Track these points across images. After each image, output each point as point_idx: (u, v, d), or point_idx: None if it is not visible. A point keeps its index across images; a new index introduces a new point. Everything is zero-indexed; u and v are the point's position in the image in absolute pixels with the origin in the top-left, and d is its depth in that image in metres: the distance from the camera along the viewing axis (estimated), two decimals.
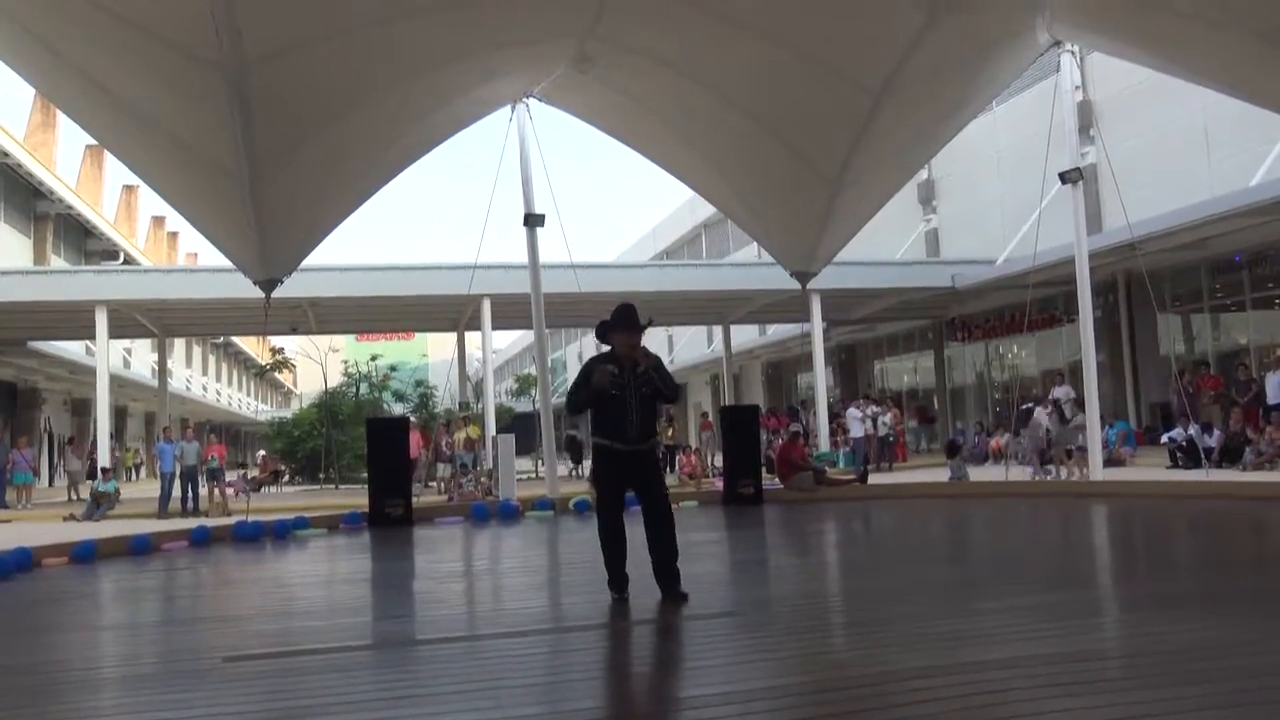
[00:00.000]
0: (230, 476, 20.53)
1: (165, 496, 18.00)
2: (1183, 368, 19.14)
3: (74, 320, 23.33)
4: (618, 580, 6.14)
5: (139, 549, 10.51)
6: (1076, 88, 15.91)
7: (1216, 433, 16.89)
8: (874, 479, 17.01)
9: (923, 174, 27.48)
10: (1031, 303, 18.17)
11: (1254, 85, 10.82)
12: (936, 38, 10.29)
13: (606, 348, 6.41)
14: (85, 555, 9.92)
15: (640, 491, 6.18)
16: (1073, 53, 13.84)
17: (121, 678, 5.04)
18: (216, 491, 18.11)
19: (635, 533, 6.18)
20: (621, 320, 6.21)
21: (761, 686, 4.17)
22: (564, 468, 20.72)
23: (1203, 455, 14.65)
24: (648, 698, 4.10)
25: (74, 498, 21.98)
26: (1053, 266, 17.60)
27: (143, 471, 39.57)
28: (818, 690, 4.07)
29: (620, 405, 6.07)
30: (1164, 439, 17.56)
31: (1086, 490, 13.02)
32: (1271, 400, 16.18)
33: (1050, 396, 20.54)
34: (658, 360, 6.28)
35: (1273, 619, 5.03)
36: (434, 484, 20.26)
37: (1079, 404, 19.39)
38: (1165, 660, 4.23)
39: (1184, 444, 16.28)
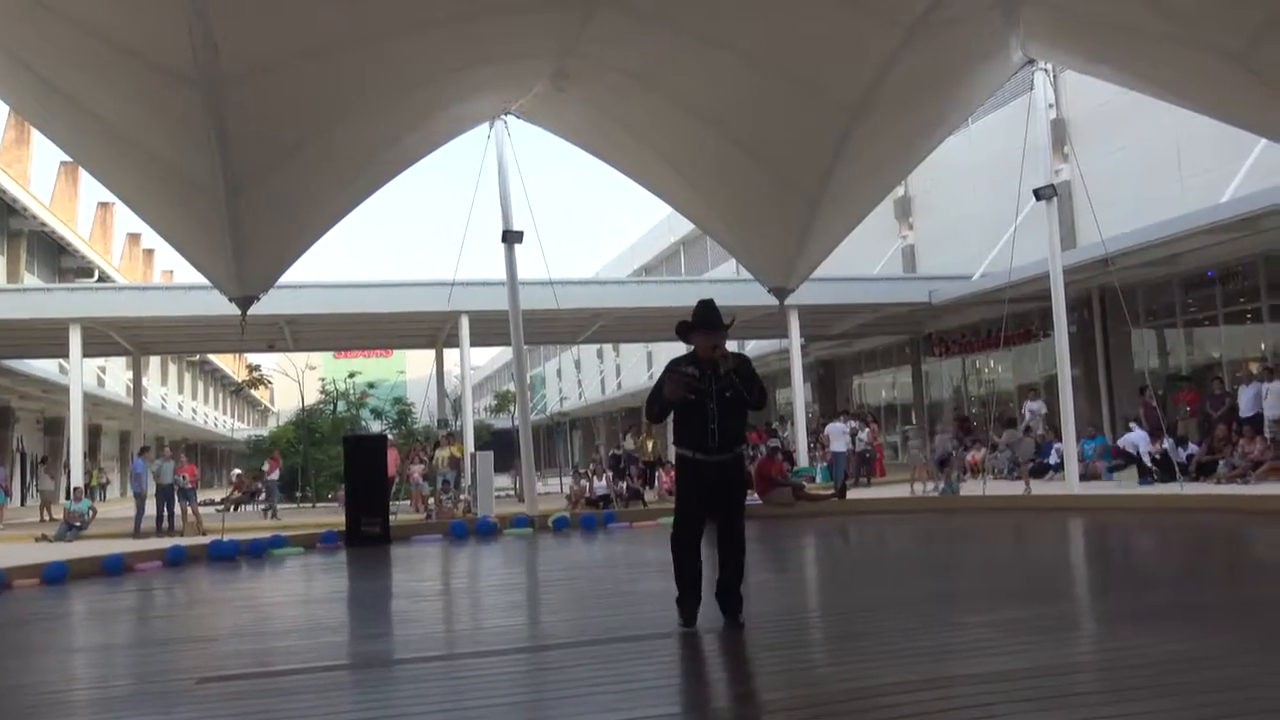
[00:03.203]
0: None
1: (139, 515, 17.83)
2: (1145, 383, 19.37)
3: (47, 338, 23.12)
4: (686, 602, 5.63)
5: (112, 569, 10.40)
6: (1050, 105, 16.07)
7: (1192, 446, 17.02)
8: (852, 494, 17.04)
9: (899, 190, 27.68)
10: (1007, 318, 18.29)
11: (1223, 103, 10.99)
12: (912, 55, 10.38)
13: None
14: (57, 576, 9.79)
15: (719, 506, 5.65)
16: (1046, 71, 14.00)
17: (93, 700, 4.97)
18: (190, 511, 17.93)
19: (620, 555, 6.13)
20: (703, 319, 5.71)
21: (744, 702, 4.16)
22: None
23: (1177, 469, 14.76)
24: (626, 715, 4.07)
25: (47, 518, 21.71)
26: (1028, 282, 17.74)
27: (109, 491, 39.11)
28: (797, 706, 4.06)
29: (701, 412, 5.56)
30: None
31: (1063, 504, 13.09)
32: (1244, 413, 16.33)
33: (1024, 410, 20.72)
34: (743, 361, 5.77)
35: (1249, 631, 5.06)
36: (409, 502, 20.10)
37: (1048, 420, 19.60)
38: (1142, 673, 4.24)
39: (1158, 458, 16.39)
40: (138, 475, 18.21)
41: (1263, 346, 19.62)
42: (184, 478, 18.16)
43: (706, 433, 5.54)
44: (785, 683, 4.53)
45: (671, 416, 5.70)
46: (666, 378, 5.63)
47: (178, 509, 17.95)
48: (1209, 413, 17.44)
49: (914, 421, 29.53)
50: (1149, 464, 16.45)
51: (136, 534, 17.12)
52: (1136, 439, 17.08)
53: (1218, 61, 9.45)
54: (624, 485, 19.15)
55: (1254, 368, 18.42)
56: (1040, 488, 16.25)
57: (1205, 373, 20.15)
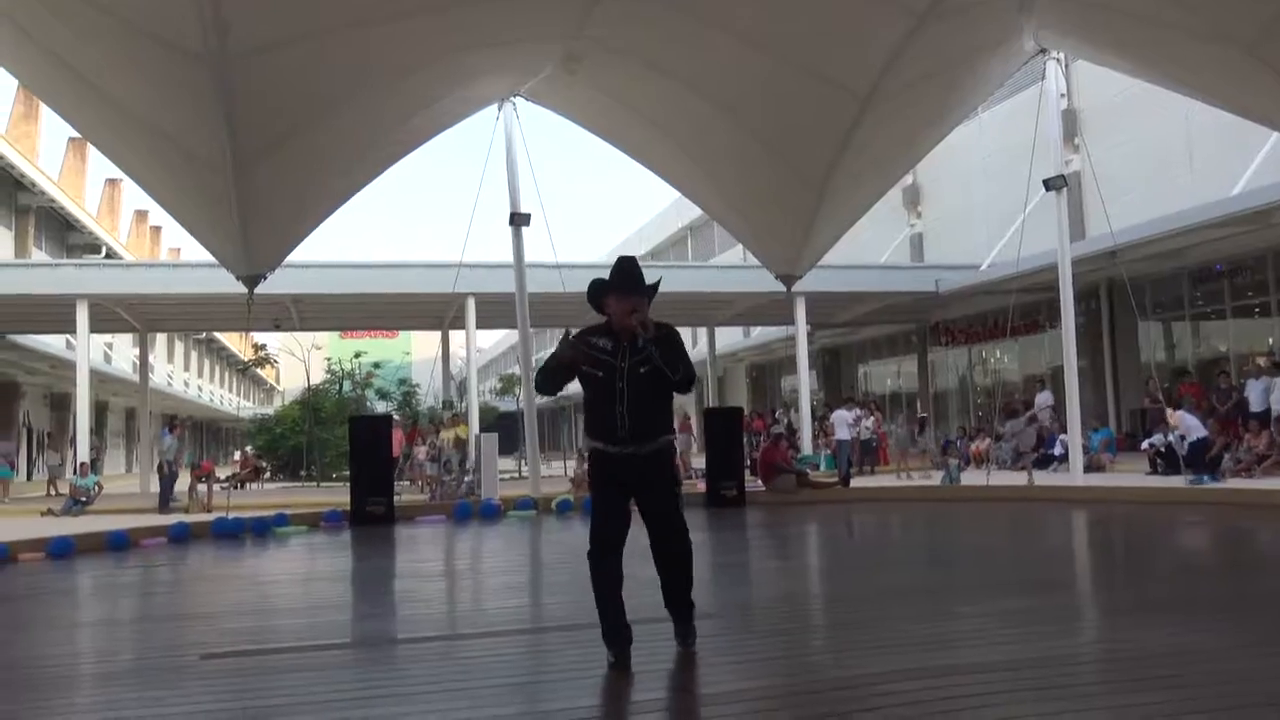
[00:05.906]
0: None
1: (164, 490, 17.90)
2: (1152, 375, 19.30)
3: (55, 314, 23.16)
4: (612, 633, 4.46)
5: (117, 545, 10.45)
6: (1062, 95, 15.97)
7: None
8: (856, 482, 17.05)
9: (908, 179, 27.58)
10: (1014, 308, 18.25)
11: (1235, 95, 10.93)
12: (923, 43, 10.34)
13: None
14: (62, 551, 9.85)
15: (640, 507, 4.55)
16: (1058, 60, 13.91)
17: (97, 674, 5.01)
18: (201, 488, 18.01)
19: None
20: (618, 279, 4.61)
21: (741, 688, 4.18)
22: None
23: (1181, 462, 14.72)
24: (625, 699, 4.10)
25: (53, 493, 21.82)
26: (1036, 273, 17.69)
27: (103, 467, 39.21)
28: (796, 693, 4.08)
29: (608, 392, 4.47)
30: (1144, 445, 17.66)
31: (1067, 495, 13.08)
32: (1255, 409, 16.26)
33: (1036, 405, 20.58)
34: (668, 331, 4.59)
35: (1247, 625, 5.07)
36: (410, 483, 20.14)
37: (1055, 411, 19.51)
38: (1140, 665, 4.25)
39: (1163, 450, 16.35)
40: (165, 446, 18.24)
41: (1270, 341, 19.56)
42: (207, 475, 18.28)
43: (614, 417, 4.43)
44: (786, 669, 4.54)
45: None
46: (561, 345, 4.56)
47: (183, 486, 18.01)
48: (1215, 406, 17.40)
49: (918, 409, 29.51)
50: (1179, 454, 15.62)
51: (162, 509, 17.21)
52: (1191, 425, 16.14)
53: (1230, 53, 9.40)
54: None
55: (1261, 362, 18.37)
56: (1044, 479, 16.23)
57: (1211, 366, 20.09)
